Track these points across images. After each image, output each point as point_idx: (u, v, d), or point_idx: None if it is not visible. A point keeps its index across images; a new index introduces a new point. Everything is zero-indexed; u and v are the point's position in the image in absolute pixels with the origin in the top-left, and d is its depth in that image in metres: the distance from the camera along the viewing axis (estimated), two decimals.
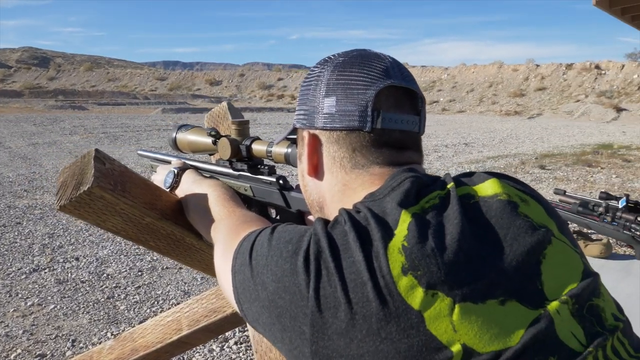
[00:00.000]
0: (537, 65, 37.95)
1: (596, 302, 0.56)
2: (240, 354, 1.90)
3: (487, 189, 0.62)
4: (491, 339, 0.49)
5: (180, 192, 1.04)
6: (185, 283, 2.70)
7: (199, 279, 2.75)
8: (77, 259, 3.10)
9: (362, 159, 0.66)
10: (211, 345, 1.89)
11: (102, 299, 2.48)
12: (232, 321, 1.31)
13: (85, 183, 0.89)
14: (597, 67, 33.87)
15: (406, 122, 0.67)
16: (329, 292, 0.51)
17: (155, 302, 2.44)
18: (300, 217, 1.03)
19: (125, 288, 2.63)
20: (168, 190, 1.08)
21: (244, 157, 1.09)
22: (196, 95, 45.20)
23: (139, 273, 2.84)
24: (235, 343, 1.94)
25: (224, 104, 1.53)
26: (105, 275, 2.82)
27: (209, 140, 1.16)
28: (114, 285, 2.68)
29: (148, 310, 2.35)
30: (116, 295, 2.54)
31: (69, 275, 2.83)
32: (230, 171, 1.14)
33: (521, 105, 32.88)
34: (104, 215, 0.94)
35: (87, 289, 2.63)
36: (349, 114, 0.65)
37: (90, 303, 2.43)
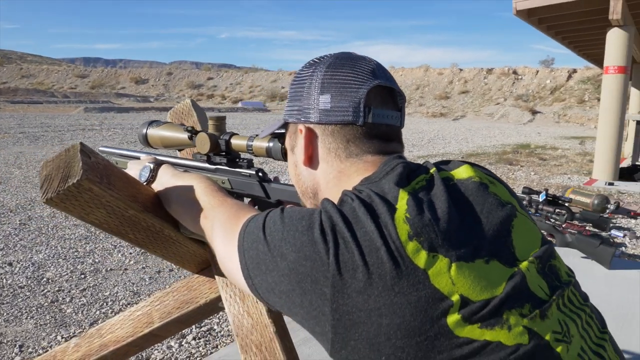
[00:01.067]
0: (461, 70, 39.97)
1: (554, 263, 0.69)
2: (200, 348, 1.91)
3: (462, 173, 0.74)
4: (482, 289, 0.60)
5: (158, 186, 1.07)
6: (133, 284, 2.65)
7: (147, 279, 2.70)
8: (10, 264, 2.94)
9: (355, 149, 0.76)
10: (169, 342, 1.89)
11: (46, 304, 2.38)
12: (204, 312, 1.35)
13: (73, 176, 0.90)
14: (515, 72, 36.29)
15: (391, 117, 0.78)
16: (347, 258, 0.59)
17: (105, 304, 2.37)
18: (279, 206, 1.09)
19: (69, 291, 2.53)
20: (144, 184, 1.10)
21: (222, 152, 1.14)
22: (121, 94, 43.24)
23: (82, 276, 2.75)
24: (194, 338, 1.95)
25: (188, 101, 1.56)
26: (45, 279, 2.69)
27: (184, 135, 1.19)
28: (57, 289, 2.57)
29: (98, 312, 2.29)
30: (60, 298, 2.44)
31: (4, 281, 2.67)
32: (207, 165, 1.18)
33: (446, 107, 34.51)
34: (89, 207, 0.96)
35: (27, 294, 2.50)
36: (344, 110, 0.74)
37: (33, 308, 2.32)
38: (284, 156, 1.02)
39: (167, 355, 1.86)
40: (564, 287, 0.67)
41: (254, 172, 1.10)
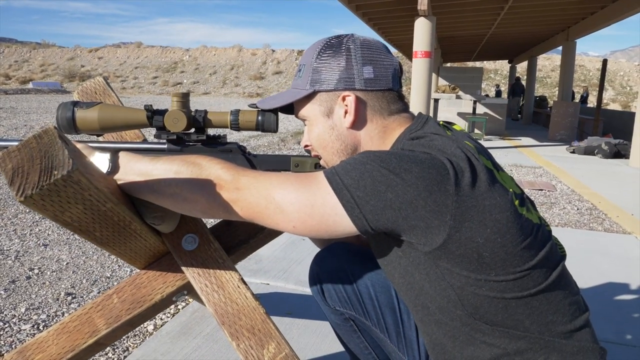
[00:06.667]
0: (273, 51, 40.99)
1: None
2: (109, 354, 1.72)
3: (457, 127, 1.01)
4: (516, 188, 0.88)
5: (131, 175, 0.96)
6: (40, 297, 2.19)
7: (2, 292, 2.27)
8: None
9: (394, 108, 0.95)
10: None
11: None
12: (158, 308, 1.25)
13: (59, 167, 0.77)
14: None
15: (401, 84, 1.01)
16: (457, 164, 0.79)
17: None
18: None
19: None
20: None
21: (197, 128, 1.06)
22: None
23: None
24: None
25: (100, 79, 1.38)
26: None
27: (140, 115, 1.07)
28: None
29: None
30: None
31: None
32: (169, 147, 1.08)
33: (262, 87, 35.21)
34: (68, 204, 0.83)
35: None
36: (385, 78, 0.94)
37: None
38: (277, 127, 1.04)
39: None
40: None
41: (236, 146, 1.07)
